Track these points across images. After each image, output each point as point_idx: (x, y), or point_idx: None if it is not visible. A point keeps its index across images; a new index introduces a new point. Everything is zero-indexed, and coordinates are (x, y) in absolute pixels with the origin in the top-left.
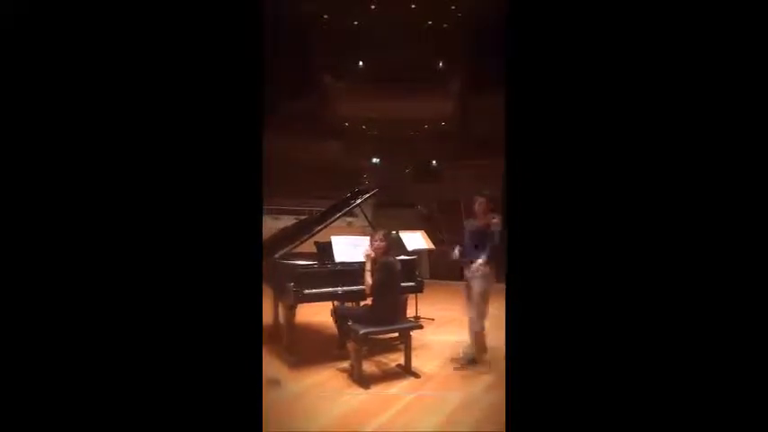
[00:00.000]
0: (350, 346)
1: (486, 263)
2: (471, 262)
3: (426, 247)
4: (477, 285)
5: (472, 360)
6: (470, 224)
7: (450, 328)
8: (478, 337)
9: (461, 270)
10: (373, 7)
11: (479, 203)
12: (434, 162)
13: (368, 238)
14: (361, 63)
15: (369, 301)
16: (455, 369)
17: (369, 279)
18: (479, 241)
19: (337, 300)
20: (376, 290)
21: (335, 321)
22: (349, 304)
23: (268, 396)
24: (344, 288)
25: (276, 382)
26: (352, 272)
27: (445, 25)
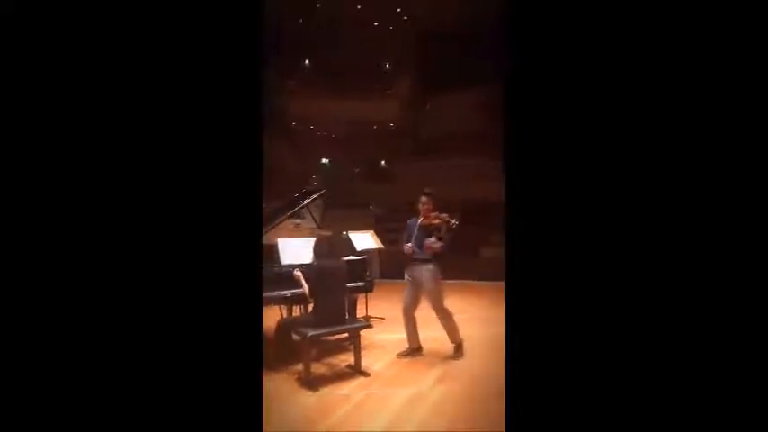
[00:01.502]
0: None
1: (439, 248)
2: (420, 260)
3: (376, 246)
4: (427, 280)
5: (417, 349)
6: (414, 222)
7: (400, 326)
8: (449, 320)
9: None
10: (318, 6)
11: (422, 202)
12: (384, 162)
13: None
14: (307, 62)
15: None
16: (398, 355)
17: (305, 284)
18: (425, 238)
19: (284, 303)
20: (314, 294)
21: (276, 334)
22: (296, 314)
23: None
24: (292, 291)
25: None
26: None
27: (391, 27)
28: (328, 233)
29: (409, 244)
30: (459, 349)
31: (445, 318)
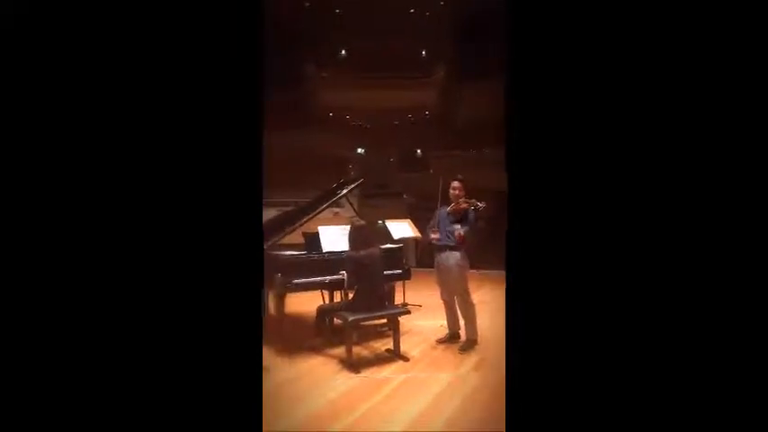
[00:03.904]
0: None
1: (464, 238)
2: (447, 247)
3: (413, 235)
4: (452, 267)
5: (455, 335)
6: (443, 210)
7: (437, 313)
8: (470, 310)
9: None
10: None
11: (454, 188)
12: (419, 151)
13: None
14: (343, 52)
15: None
16: (437, 342)
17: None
18: (454, 225)
19: (325, 288)
20: (353, 282)
21: (316, 319)
22: (337, 300)
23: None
24: (332, 277)
25: (265, 369)
26: (339, 261)
27: (428, 13)
28: (363, 222)
29: (435, 235)
30: (470, 345)
31: (466, 308)
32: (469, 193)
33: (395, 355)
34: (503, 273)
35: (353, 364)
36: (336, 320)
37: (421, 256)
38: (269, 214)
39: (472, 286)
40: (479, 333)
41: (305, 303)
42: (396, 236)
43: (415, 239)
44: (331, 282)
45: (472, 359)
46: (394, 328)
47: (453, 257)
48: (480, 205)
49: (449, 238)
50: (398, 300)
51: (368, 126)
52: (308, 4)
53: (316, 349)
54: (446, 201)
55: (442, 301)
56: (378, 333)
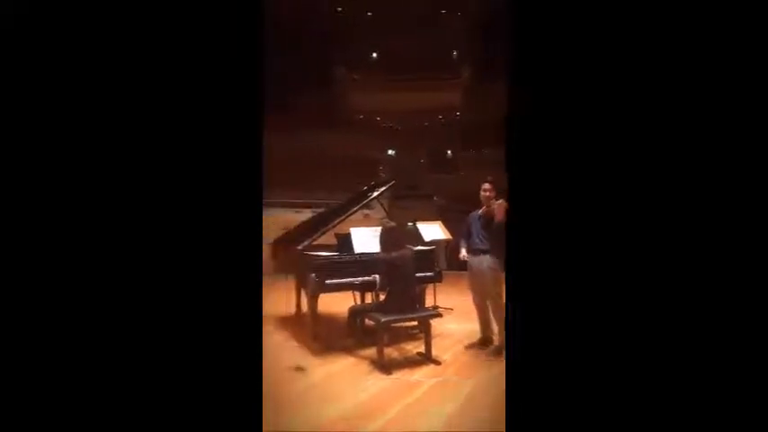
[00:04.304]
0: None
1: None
2: (480, 251)
3: (444, 237)
4: (485, 270)
5: (488, 340)
6: (475, 215)
7: (469, 317)
8: (501, 313)
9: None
10: None
11: (484, 189)
12: (449, 152)
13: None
14: (374, 55)
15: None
16: (465, 347)
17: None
18: (486, 227)
19: (356, 290)
20: (385, 283)
21: (348, 319)
22: (368, 301)
23: (294, 383)
24: (364, 278)
25: (301, 369)
26: (371, 262)
27: (459, 13)
28: (393, 224)
29: (463, 253)
30: (486, 343)
31: (500, 312)
32: (502, 195)
33: (426, 358)
34: None
35: (385, 366)
36: (368, 321)
37: (450, 259)
38: (304, 216)
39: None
40: None
41: (336, 304)
42: (427, 238)
43: (446, 241)
44: (363, 283)
45: (503, 364)
46: (425, 331)
47: (486, 261)
48: None
49: (481, 241)
50: (429, 302)
51: (398, 128)
52: (339, 9)
53: (347, 350)
54: (477, 204)
55: (474, 305)
56: (409, 335)
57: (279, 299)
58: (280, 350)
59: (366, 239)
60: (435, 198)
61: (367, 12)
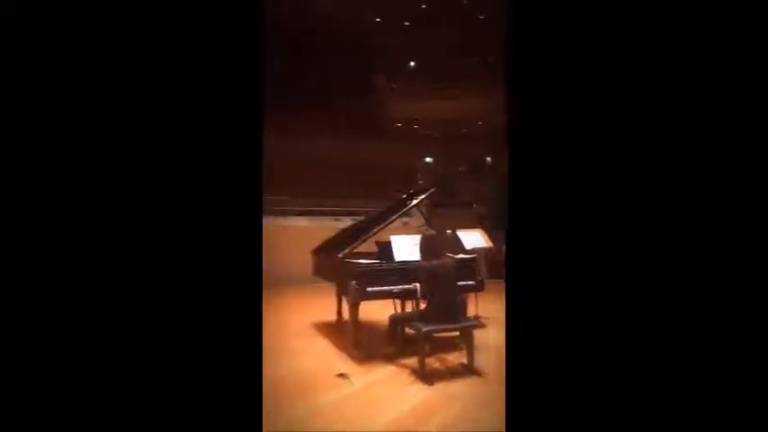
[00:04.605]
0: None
1: None
2: None
3: (485, 245)
4: None
5: None
6: None
7: None
8: None
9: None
10: (424, 7)
11: None
12: (489, 159)
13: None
14: (412, 63)
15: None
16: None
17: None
18: None
19: (397, 298)
20: (426, 292)
21: (388, 328)
22: (409, 309)
23: (338, 390)
24: (404, 287)
25: (343, 376)
26: (412, 270)
27: (499, 17)
28: (433, 232)
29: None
30: None
31: None
32: None
33: (468, 368)
34: None
35: (426, 376)
36: (408, 330)
37: (492, 267)
38: (343, 224)
39: None
40: None
41: (377, 312)
42: (467, 246)
43: (487, 249)
44: (403, 291)
45: None
46: (468, 342)
47: None
48: None
49: None
50: (471, 312)
51: (437, 135)
52: (378, 19)
53: (388, 358)
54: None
55: None
56: (451, 345)
57: (320, 305)
58: (321, 356)
59: (406, 247)
60: (475, 206)
61: (404, 21)
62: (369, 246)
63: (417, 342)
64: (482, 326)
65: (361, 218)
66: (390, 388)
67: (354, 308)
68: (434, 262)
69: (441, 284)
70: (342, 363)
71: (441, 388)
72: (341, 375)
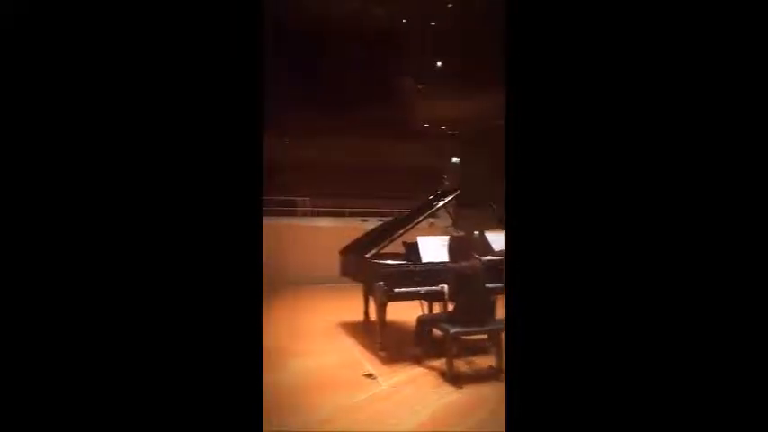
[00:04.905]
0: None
1: None
2: None
3: None
4: None
5: None
6: None
7: None
8: None
9: None
10: (450, 6)
11: None
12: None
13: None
14: (439, 64)
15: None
16: None
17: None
18: None
19: (425, 299)
20: (454, 293)
21: (415, 329)
22: (436, 310)
23: (365, 390)
24: (431, 288)
25: (370, 376)
26: (439, 271)
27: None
28: (462, 233)
29: None
30: None
31: None
32: None
33: (497, 371)
34: None
35: (454, 378)
36: (436, 332)
37: None
38: (371, 224)
39: None
40: None
41: (404, 312)
42: (496, 247)
43: None
44: (431, 292)
45: None
46: (496, 344)
47: None
48: None
49: None
50: (500, 314)
51: (463, 135)
52: (404, 20)
53: (416, 359)
54: None
55: None
56: (480, 347)
57: (347, 305)
58: (348, 356)
59: (433, 249)
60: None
61: (430, 22)
62: (396, 247)
63: (445, 344)
64: None
65: (388, 219)
66: (417, 390)
67: (382, 308)
68: (463, 263)
69: (469, 286)
70: (369, 363)
71: (469, 391)
72: (368, 376)
